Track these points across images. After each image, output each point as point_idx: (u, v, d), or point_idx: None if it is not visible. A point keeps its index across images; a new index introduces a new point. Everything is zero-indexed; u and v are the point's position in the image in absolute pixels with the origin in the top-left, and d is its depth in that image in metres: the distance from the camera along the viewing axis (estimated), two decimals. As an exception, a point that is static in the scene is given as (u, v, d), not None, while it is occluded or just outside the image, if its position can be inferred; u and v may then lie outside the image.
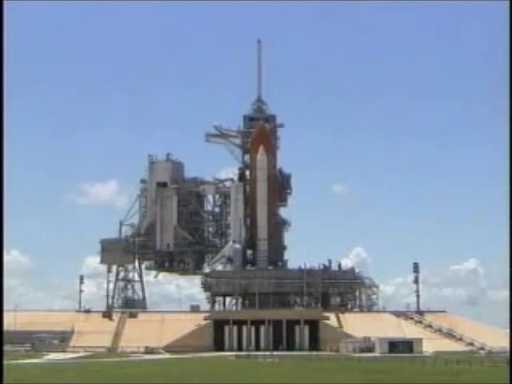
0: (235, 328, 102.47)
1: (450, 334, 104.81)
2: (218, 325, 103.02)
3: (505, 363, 59.02)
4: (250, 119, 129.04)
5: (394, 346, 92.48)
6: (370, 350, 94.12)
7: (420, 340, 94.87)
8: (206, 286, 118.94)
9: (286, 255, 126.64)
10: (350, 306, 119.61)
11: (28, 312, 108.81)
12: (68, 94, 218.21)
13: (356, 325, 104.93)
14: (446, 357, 70.66)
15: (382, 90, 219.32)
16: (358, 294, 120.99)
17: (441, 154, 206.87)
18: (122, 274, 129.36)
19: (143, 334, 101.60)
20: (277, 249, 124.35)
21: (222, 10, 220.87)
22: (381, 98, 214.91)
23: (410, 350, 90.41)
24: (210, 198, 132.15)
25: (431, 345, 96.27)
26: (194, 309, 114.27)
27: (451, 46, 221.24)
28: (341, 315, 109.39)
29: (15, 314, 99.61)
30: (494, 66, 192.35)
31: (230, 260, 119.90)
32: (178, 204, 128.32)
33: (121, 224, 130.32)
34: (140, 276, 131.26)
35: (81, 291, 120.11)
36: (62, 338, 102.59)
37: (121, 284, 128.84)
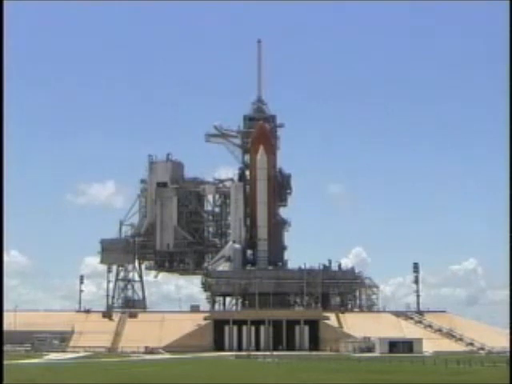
0: (235, 328, 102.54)
1: (449, 334, 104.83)
2: (218, 325, 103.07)
3: (505, 363, 59.01)
4: (249, 119, 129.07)
5: (394, 346, 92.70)
6: (370, 350, 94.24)
7: (420, 340, 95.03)
8: (206, 286, 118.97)
9: (286, 255, 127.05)
10: (350, 306, 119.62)
11: (28, 312, 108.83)
12: (67, 94, 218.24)
13: (356, 325, 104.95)
14: (446, 357, 70.70)
15: (382, 89, 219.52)
16: (357, 294, 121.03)
17: (440, 154, 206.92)
18: (122, 274, 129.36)
19: (143, 334, 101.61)
20: (277, 249, 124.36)
21: (222, 10, 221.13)
22: (381, 98, 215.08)
23: (410, 350, 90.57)
24: (210, 197, 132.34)
25: (431, 345, 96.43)
26: (194, 309, 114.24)
27: (451, 46, 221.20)
28: (341, 315, 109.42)
29: (15, 314, 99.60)
30: (494, 65, 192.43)
31: (229, 260, 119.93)
32: (177, 204, 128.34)
33: (121, 224, 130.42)
34: (140, 276, 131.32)
35: (81, 291, 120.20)
36: (62, 338, 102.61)
37: (121, 284, 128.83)
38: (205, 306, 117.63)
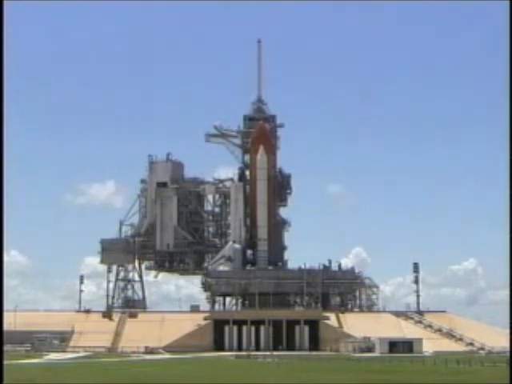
0: (235, 328, 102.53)
1: (450, 334, 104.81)
2: (218, 325, 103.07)
3: (505, 363, 59.02)
4: (249, 119, 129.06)
5: (394, 346, 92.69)
6: (370, 350, 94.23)
7: (420, 340, 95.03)
8: (206, 286, 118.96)
9: (286, 255, 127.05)
10: (350, 306, 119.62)
11: (28, 312, 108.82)
12: (67, 94, 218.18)
13: (356, 325, 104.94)
14: (446, 357, 70.71)
15: (381, 89, 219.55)
16: (357, 294, 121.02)
17: (440, 154, 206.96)
18: (122, 274, 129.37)
19: (143, 334, 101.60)
20: (277, 249, 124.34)
21: (222, 10, 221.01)
22: (381, 98, 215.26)
23: (410, 350, 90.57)
24: (210, 197, 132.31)
25: (431, 345, 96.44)
26: (194, 309, 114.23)
27: (451, 45, 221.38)
28: (341, 315, 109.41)
29: (15, 314, 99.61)
30: (494, 65, 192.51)
31: (229, 260, 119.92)
32: (177, 204, 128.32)
33: (121, 224, 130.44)
34: (140, 276, 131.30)
35: (81, 291, 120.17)
36: (62, 338, 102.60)
37: (121, 284, 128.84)
38: (205, 305, 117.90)
